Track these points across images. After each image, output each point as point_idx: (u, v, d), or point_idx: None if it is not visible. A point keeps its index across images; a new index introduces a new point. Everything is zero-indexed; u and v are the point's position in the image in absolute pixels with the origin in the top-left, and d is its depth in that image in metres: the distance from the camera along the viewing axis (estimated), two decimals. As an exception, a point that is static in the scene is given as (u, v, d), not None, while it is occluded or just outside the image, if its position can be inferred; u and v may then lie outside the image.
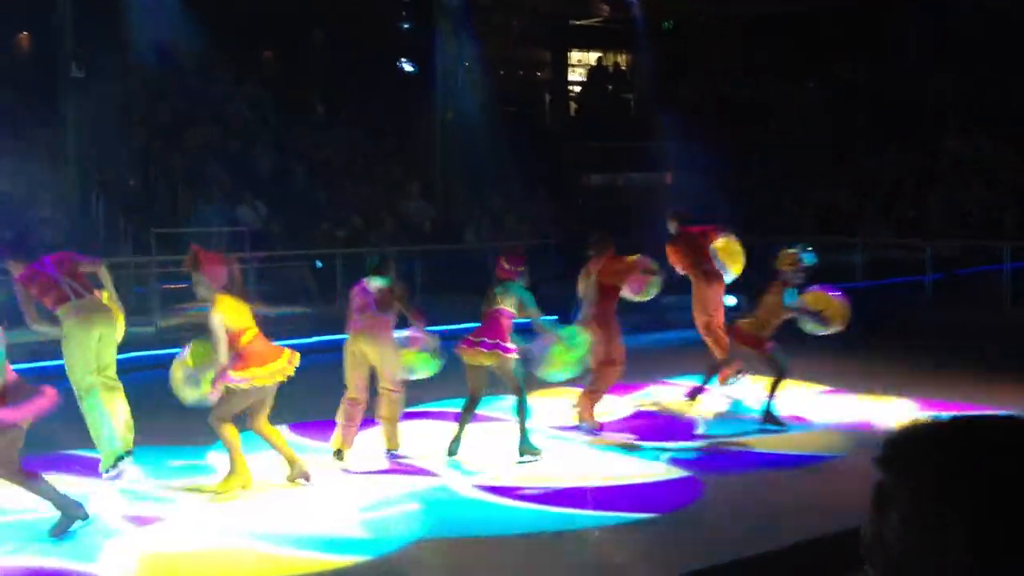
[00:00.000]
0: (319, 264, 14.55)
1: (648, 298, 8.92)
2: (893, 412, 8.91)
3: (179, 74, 16.51)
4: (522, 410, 7.54)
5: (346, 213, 16.13)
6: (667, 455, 7.87)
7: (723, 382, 9.57)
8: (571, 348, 7.73)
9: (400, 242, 15.64)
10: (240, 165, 16.93)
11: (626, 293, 8.67)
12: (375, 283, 7.53)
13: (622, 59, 23.70)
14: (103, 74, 14.89)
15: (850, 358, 10.82)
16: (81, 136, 14.51)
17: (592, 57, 23.52)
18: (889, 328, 12.90)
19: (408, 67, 20.94)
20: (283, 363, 6.77)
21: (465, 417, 7.66)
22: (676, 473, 7.46)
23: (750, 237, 15.73)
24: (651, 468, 7.58)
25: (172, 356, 11.77)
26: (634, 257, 8.69)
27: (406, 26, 21.11)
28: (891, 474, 1.30)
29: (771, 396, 8.56)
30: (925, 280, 14.99)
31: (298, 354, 6.91)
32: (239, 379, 6.65)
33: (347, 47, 19.03)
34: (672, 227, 9.84)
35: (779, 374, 8.55)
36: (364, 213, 16.30)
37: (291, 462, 6.93)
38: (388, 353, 7.45)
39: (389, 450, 7.65)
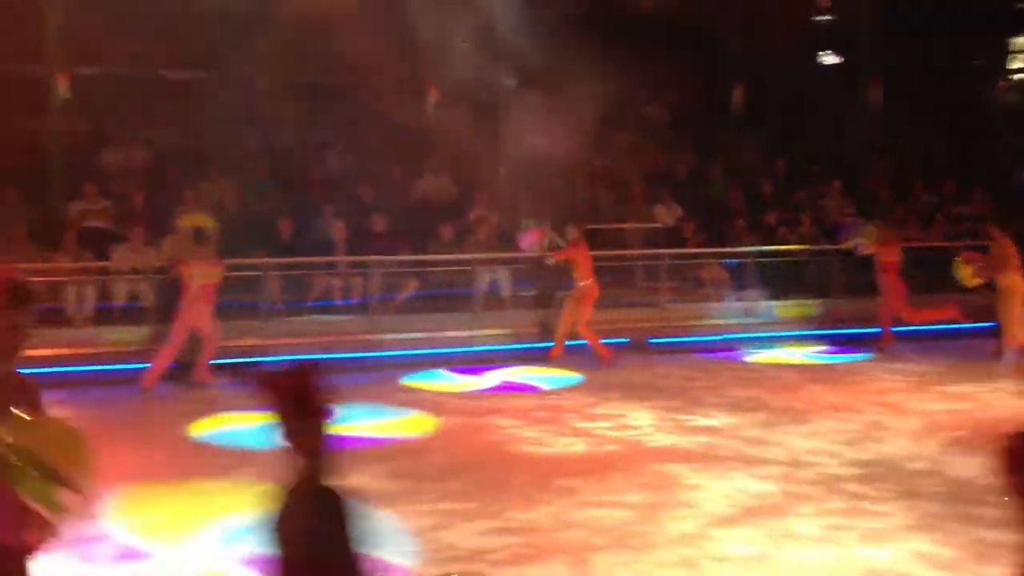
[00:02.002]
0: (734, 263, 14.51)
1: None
2: None
3: (602, 80, 17.17)
4: None
5: (761, 212, 15.91)
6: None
7: None
8: None
9: (817, 241, 15.18)
10: (658, 166, 17.34)
11: None
12: None
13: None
14: (534, 81, 15.90)
15: None
16: (513, 140, 15.57)
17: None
18: None
19: (831, 60, 20.24)
20: None
21: None
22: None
23: None
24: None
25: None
26: None
27: (827, 18, 20.39)
28: None
29: None
30: None
31: None
32: None
33: (766, 43, 18.77)
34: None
35: None
36: (780, 212, 15.99)
37: None
38: None
39: None
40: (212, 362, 10.85)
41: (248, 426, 9.14)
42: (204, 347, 10.82)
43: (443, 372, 11.49)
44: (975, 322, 12.94)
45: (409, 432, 8.94)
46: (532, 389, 10.73)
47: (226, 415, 9.41)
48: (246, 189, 14.37)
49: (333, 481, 2.92)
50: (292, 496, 2.95)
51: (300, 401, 2.92)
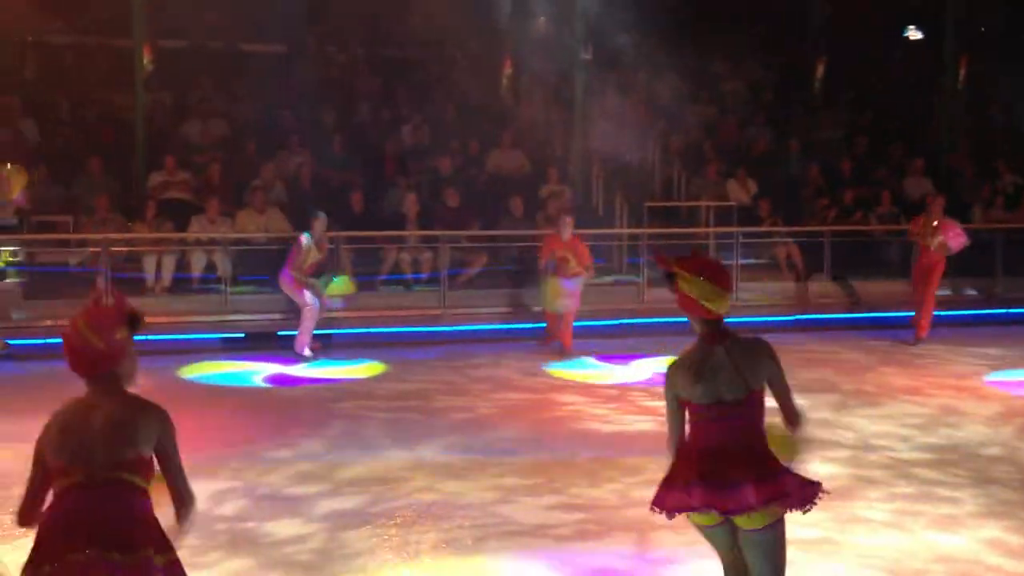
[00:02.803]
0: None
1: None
2: None
3: (678, 54, 16.98)
4: None
5: (839, 191, 15.59)
6: None
7: None
8: None
9: (896, 221, 14.85)
10: (735, 143, 17.09)
11: None
12: None
13: None
14: (610, 56, 15.77)
15: None
16: (586, 114, 15.46)
17: None
18: None
19: (915, 35, 19.71)
20: None
21: None
22: None
23: None
24: None
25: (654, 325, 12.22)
26: None
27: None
28: None
29: None
30: None
31: None
32: None
33: (849, 18, 18.35)
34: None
35: None
36: (859, 190, 15.65)
37: None
38: None
39: None
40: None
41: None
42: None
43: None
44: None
45: (466, 405, 9.01)
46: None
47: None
48: (321, 162, 14.53)
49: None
50: (710, 355, 3.90)
51: (709, 275, 3.93)
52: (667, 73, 16.89)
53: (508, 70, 17.30)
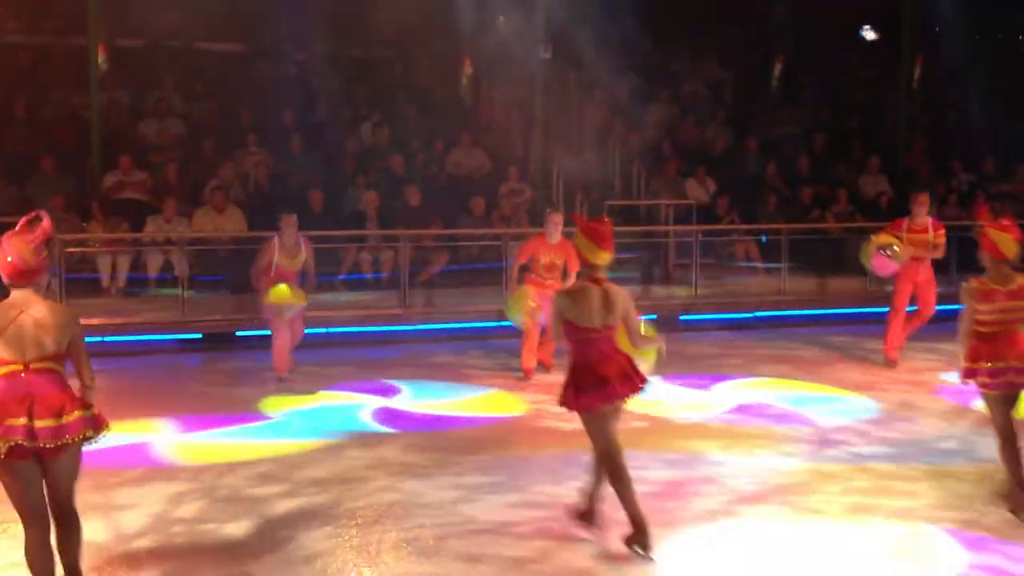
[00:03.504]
0: (764, 239, 14.39)
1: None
2: None
3: (638, 53, 17.06)
4: None
5: (795, 188, 15.75)
6: None
7: None
8: None
9: (853, 219, 15.02)
10: (695, 141, 17.19)
11: None
12: None
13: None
14: (570, 55, 15.79)
15: None
16: (547, 113, 15.45)
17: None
18: None
19: (871, 35, 19.93)
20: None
21: None
22: None
23: None
24: None
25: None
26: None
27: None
28: None
29: None
30: None
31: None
32: None
33: (807, 17, 18.51)
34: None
35: None
36: (814, 188, 15.80)
37: None
38: None
39: None
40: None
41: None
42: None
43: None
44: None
45: (437, 406, 8.99)
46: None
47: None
48: (279, 161, 14.42)
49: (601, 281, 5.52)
50: (587, 290, 5.49)
51: (589, 234, 5.56)
52: (627, 72, 16.94)
53: (468, 69, 17.27)
